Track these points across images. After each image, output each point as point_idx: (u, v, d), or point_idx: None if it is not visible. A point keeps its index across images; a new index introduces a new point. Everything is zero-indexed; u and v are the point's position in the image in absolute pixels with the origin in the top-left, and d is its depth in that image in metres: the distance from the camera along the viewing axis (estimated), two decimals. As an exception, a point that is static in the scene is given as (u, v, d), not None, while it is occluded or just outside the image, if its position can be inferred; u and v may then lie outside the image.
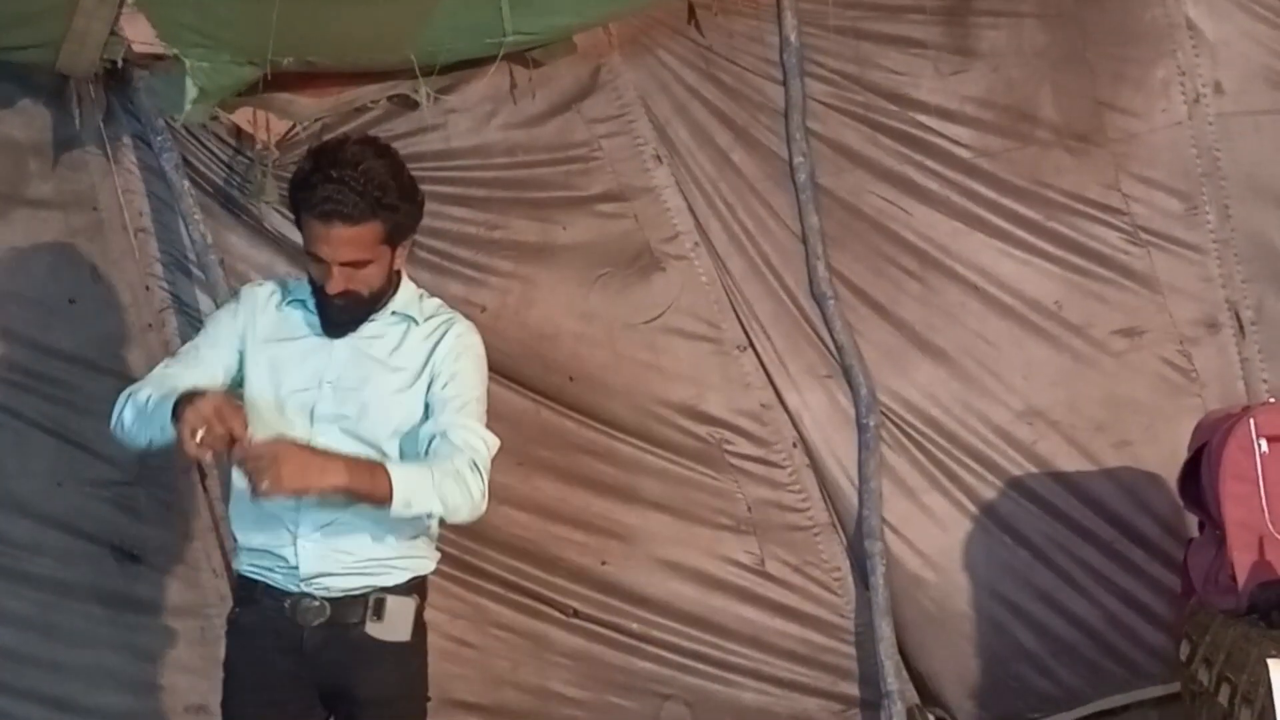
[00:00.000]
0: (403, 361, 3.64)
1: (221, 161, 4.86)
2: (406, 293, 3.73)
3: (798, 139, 5.16)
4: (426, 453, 3.54)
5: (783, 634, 5.17)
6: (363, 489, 3.42)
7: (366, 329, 3.65)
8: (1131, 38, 5.26)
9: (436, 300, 3.79)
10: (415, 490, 3.44)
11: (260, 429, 3.51)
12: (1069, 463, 5.21)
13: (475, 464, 3.52)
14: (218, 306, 4.70)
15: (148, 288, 4.83)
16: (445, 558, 3.87)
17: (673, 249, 5.14)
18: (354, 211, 3.49)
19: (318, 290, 3.62)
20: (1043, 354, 5.23)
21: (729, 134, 5.18)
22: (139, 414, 3.56)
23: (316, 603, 3.59)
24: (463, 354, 3.67)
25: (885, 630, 5.13)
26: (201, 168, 4.85)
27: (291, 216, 3.74)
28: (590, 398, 5.06)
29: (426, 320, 3.70)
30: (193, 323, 4.79)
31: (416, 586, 3.70)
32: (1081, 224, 5.24)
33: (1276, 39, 5.24)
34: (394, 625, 3.63)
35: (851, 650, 5.17)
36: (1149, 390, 5.24)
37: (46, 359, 4.73)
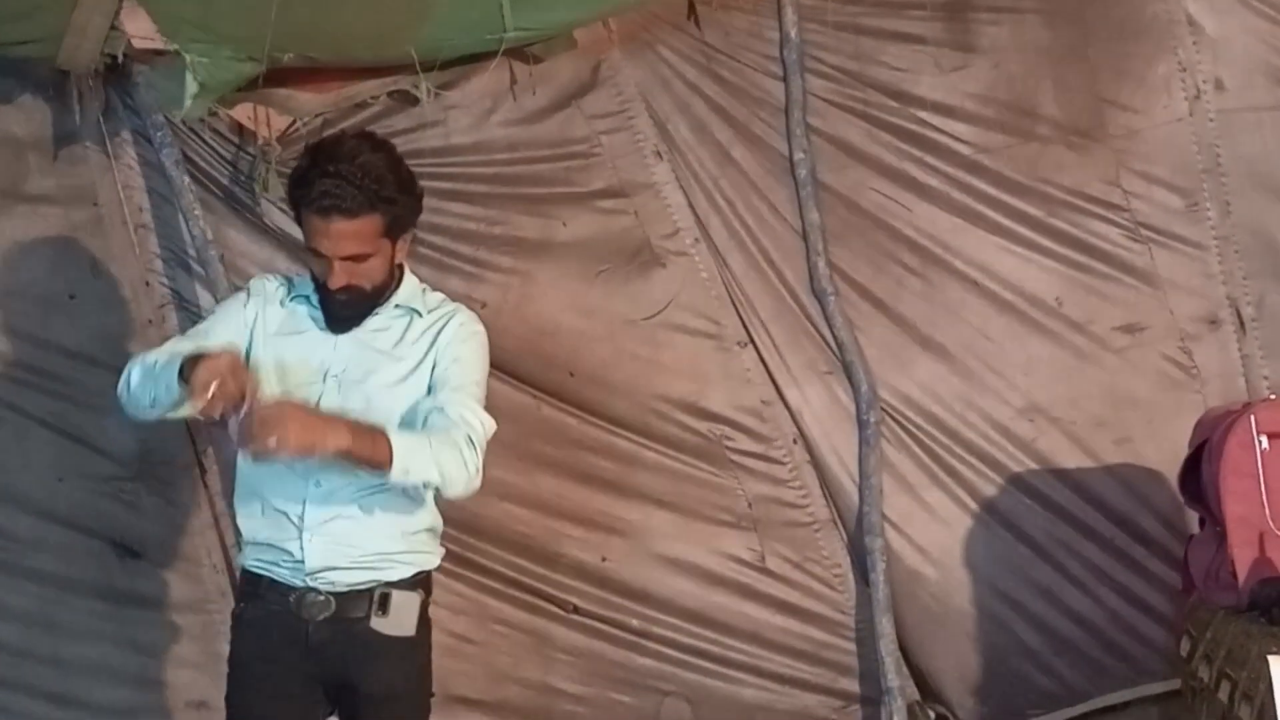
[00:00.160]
0: (406, 353, 3.66)
1: (222, 157, 4.86)
2: (409, 286, 3.75)
3: (798, 135, 5.15)
4: (423, 426, 3.56)
5: (783, 630, 5.17)
6: (364, 453, 3.42)
7: (370, 322, 3.67)
8: (1132, 34, 5.25)
9: (440, 294, 3.81)
10: (414, 458, 3.45)
11: None
12: (1070, 459, 5.20)
13: (471, 439, 3.54)
14: (218, 302, 4.71)
15: (148, 283, 4.83)
16: (447, 554, 3.86)
17: (673, 245, 5.13)
18: (353, 205, 3.50)
19: (320, 286, 3.63)
20: (1043, 350, 5.22)
21: (729, 130, 5.17)
22: (146, 374, 3.55)
23: (322, 597, 3.60)
24: (466, 340, 3.69)
25: (886, 627, 5.13)
26: (202, 163, 4.85)
27: (292, 213, 3.74)
28: (591, 394, 5.06)
29: (430, 312, 3.72)
30: (193, 319, 4.79)
31: (421, 581, 3.71)
32: (1082, 220, 5.24)
33: (1277, 35, 5.22)
34: (399, 620, 3.64)
35: (852, 647, 5.17)
36: (1150, 387, 5.24)
37: (47, 354, 4.74)
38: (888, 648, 5.12)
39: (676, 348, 5.13)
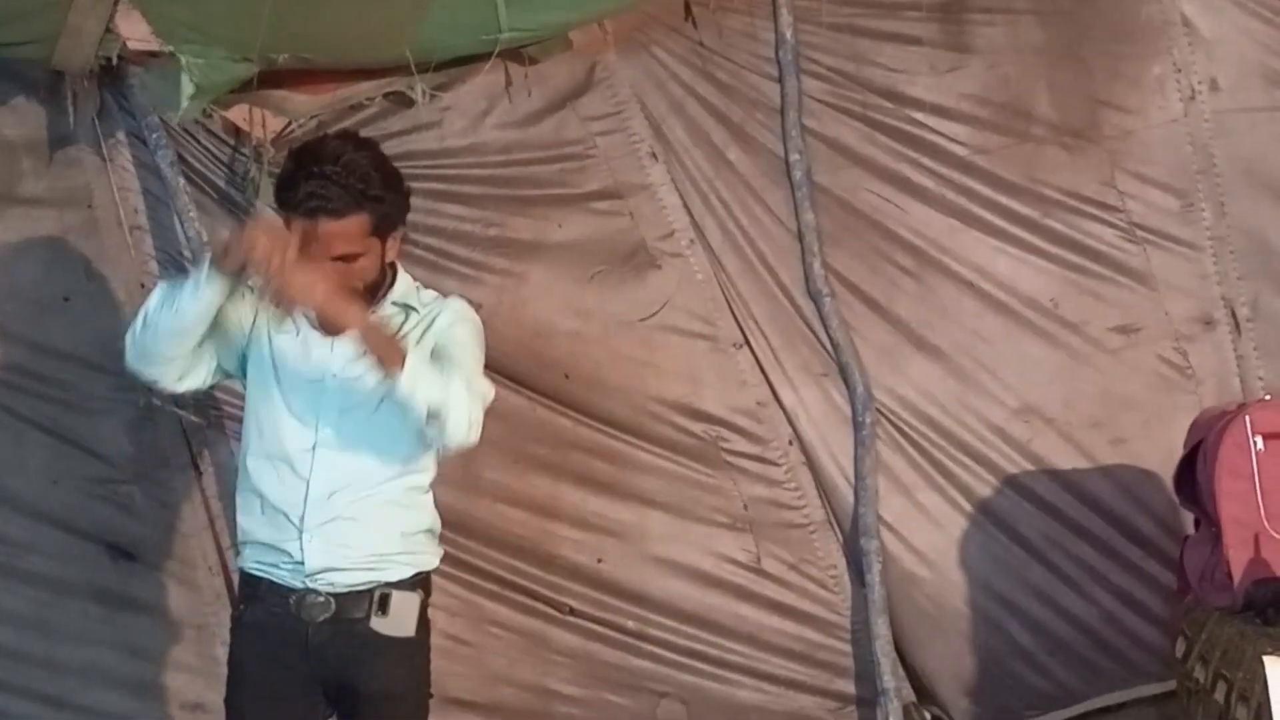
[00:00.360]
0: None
1: (217, 159, 4.85)
2: (404, 283, 3.77)
3: (794, 136, 5.15)
4: None
5: (779, 632, 5.17)
6: (380, 343, 3.45)
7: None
8: (1127, 35, 5.26)
9: (433, 291, 3.83)
10: (425, 376, 3.47)
11: (261, 418, 3.60)
12: (1065, 460, 5.20)
13: (469, 388, 3.55)
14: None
15: (143, 285, 4.79)
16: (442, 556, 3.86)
17: (668, 246, 5.13)
18: (339, 205, 3.51)
19: None
20: (1039, 351, 5.22)
21: (725, 131, 5.17)
22: (167, 293, 3.53)
23: (321, 598, 3.61)
24: (459, 324, 3.71)
25: (882, 628, 5.13)
26: (197, 165, 4.84)
27: (281, 217, 3.73)
28: (586, 395, 5.05)
29: (424, 307, 3.74)
30: (187, 320, 4.79)
31: (421, 582, 3.71)
32: (1077, 221, 5.24)
33: (1272, 36, 5.24)
34: (399, 620, 3.65)
35: (848, 648, 5.17)
36: (1145, 387, 5.24)
37: (41, 357, 4.72)
38: (883, 649, 5.12)
39: (672, 349, 5.12)
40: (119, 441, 4.76)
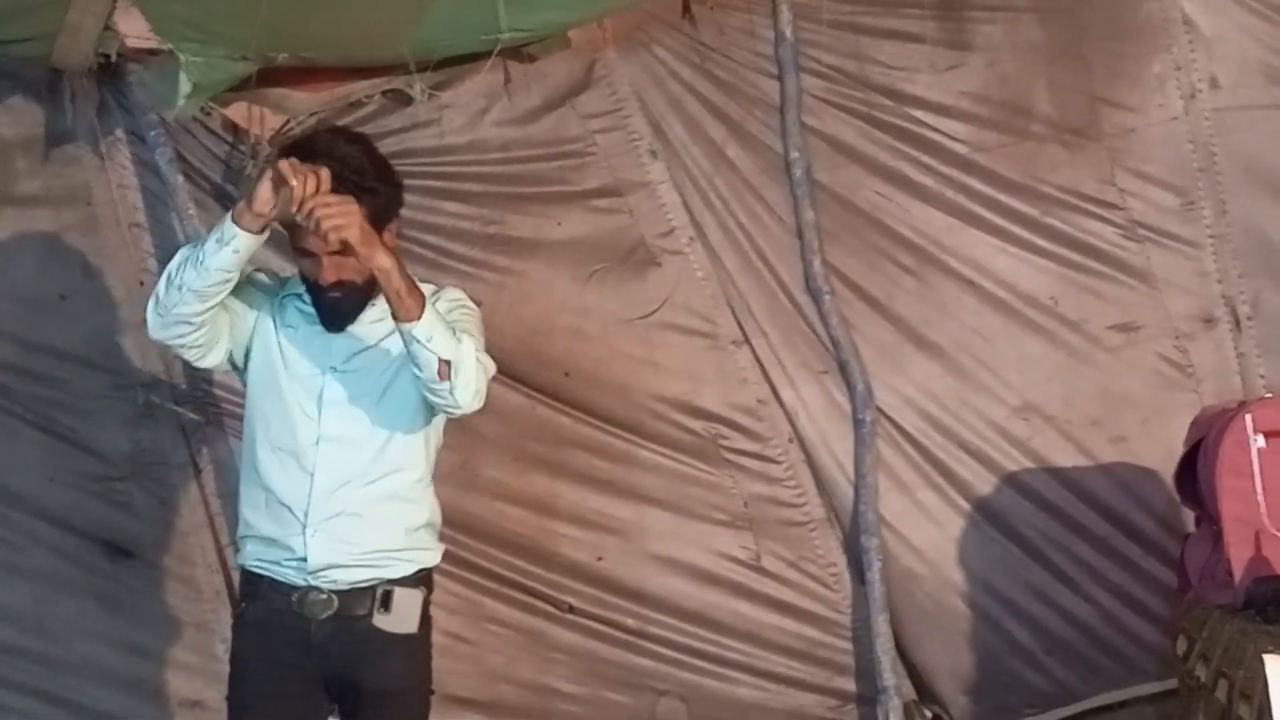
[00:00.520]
0: (399, 338, 3.64)
1: (216, 157, 4.86)
2: None
3: (793, 134, 5.14)
4: None
5: (779, 629, 5.16)
6: (402, 285, 3.44)
7: (369, 314, 3.67)
8: (1127, 32, 5.25)
9: (430, 285, 3.81)
10: (441, 328, 3.49)
11: (267, 412, 3.61)
12: (1065, 458, 5.20)
13: (480, 359, 3.57)
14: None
15: (141, 283, 4.81)
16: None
17: (668, 244, 5.13)
18: None
19: (312, 286, 3.63)
20: (1038, 349, 5.22)
21: (724, 129, 5.16)
22: (191, 251, 3.50)
23: (324, 595, 3.61)
24: (459, 308, 3.72)
25: (882, 626, 5.13)
26: (196, 163, 4.85)
27: None
28: (585, 393, 5.05)
29: None
30: (186, 318, 4.79)
31: (423, 579, 3.71)
32: (1077, 219, 5.23)
33: (1272, 34, 5.23)
34: (401, 617, 3.64)
35: (848, 646, 5.17)
36: (1145, 385, 5.23)
37: (38, 355, 4.73)
38: (884, 647, 5.12)
39: (671, 347, 5.12)
40: (116, 439, 4.76)
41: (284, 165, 3.39)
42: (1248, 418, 4.49)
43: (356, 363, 3.63)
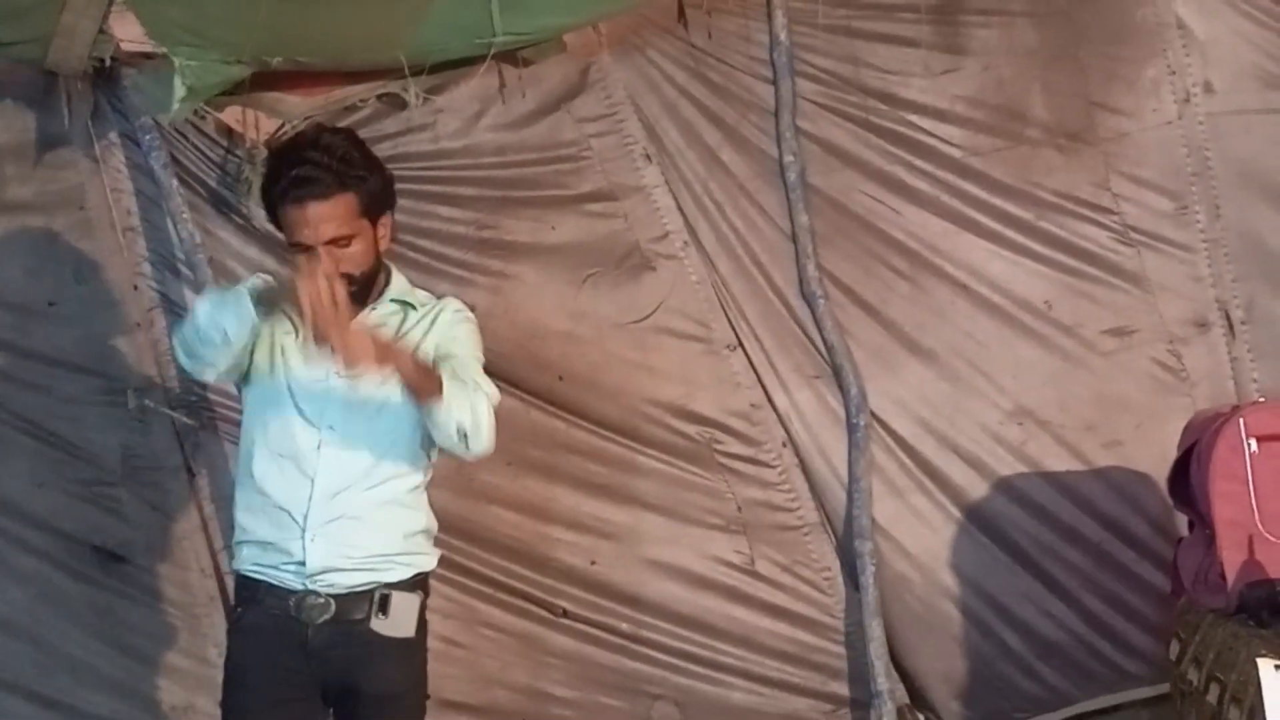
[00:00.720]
0: (405, 344, 3.66)
1: (210, 160, 4.86)
2: (401, 281, 3.80)
3: (788, 138, 5.15)
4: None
5: (773, 634, 5.16)
6: (420, 377, 3.49)
7: (369, 319, 3.67)
8: (1122, 37, 5.25)
9: (426, 292, 3.85)
10: (456, 396, 3.52)
11: (267, 417, 3.62)
12: (1058, 463, 5.20)
13: (486, 397, 3.61)
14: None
15: (136, 287, 4.82)
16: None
17: (662, 248, 5.13)
18: (324, 188, 3.55)
19: None
20: (1032, 354, 5.22)
21: (718, 133, 5.17)
22: (216, 306, 3.53)
23: (321, 600, 3.61)
24: (462, 323, 3.76)
25: (876, 630, 5.13)
26: (190, 166, 4.85)
27: (271, 219, 3.73)
28: (580, 397, 5.05)
29: (422, 306, 3.76)
30: (181, 322, 4.78)
31: (420, 583, 3.72)
32: (1072, 223, 5.24)
33: (1266, 38, 5.23)
34: (399, 621, 3.65)
35: (841, 650, 5.17)
36: (1139, 390, 5.24)
37: (30, 360, 4.71)
38: (877, 651, 5.12)
39: (666, 351, 5.12)
40: (107, 444, 4.75)
41: (304, 287, 3.37)
42: (1241, 422, 4.50)
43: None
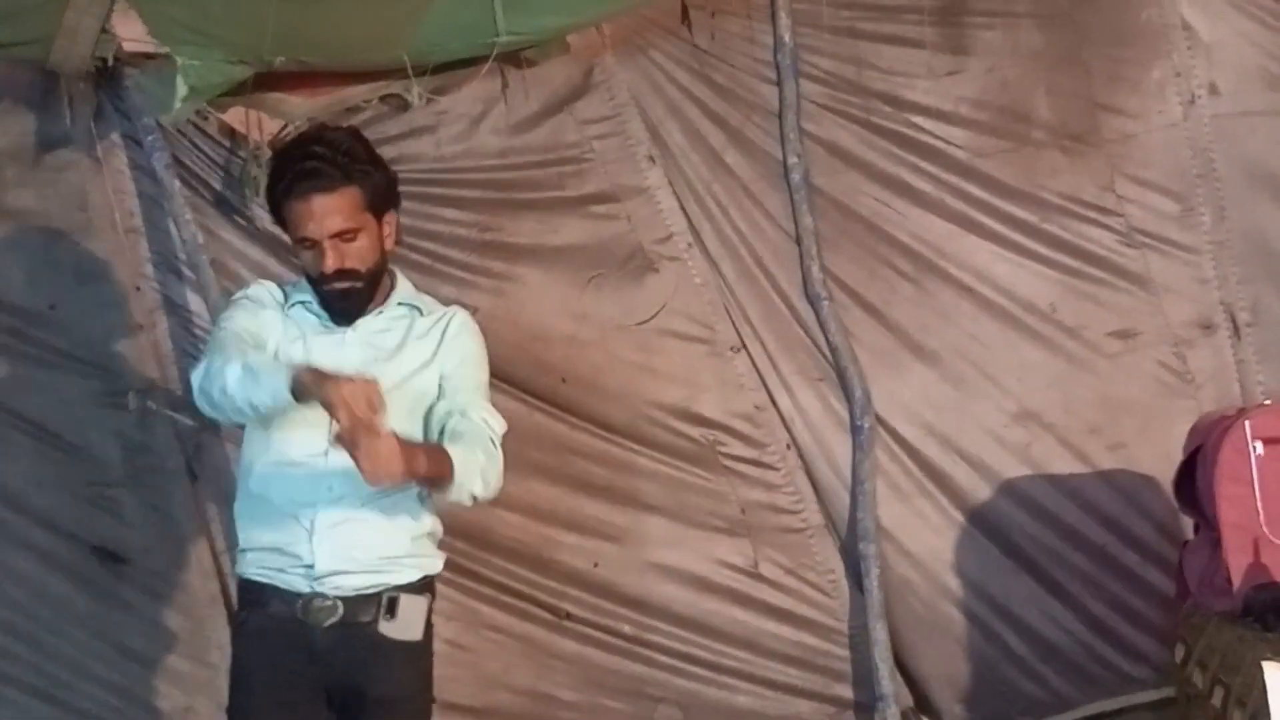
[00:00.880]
0: (413, 350, 3.68)
1: (213, 161, 4.85)
2: (406, 285, 3.79)
3: (792, 140, 5.14)
4: (443, 430, 3.61)
5: (776, 636, 5.15)
6: (436, 473, 3.48)
7: (376, 323, 3.68)
8: (1127, 39, 5.25)
9: (430, 297, 3.84)
10: (467, 472, 3.52)
11: (272, 423, 3.59)
12: (1063, 466, 5.19)
13: (494, 443, 3.63)
14: (209, 307, 4.70)
15: (138, 288, 4.81)
16: (439, 560, 3.85)
17: (666, 250, 5.12)
18: (329, 181, 3.55)
19: (316, 281, 3.63)
20: (1037, 356, 5.21)
21: (722, 135, 5.16)
22: (247, 375, 3.47)
23: (329, 602, 3.59)
24: (471, 338, 3.75)
25: (880, 633, 5.12)
26: (193, 167, 4.84)
27: (275, 218, 3.73)
28: (583, 399, 5.04)
29: (429, 313, 3.75)
30: (183, 323, 4.80)
31: (428, 585, 3.72)
32: (1076, 225, 5.23)
33: (1271, 40, 5.23)
34: (406, 624, 3.64)
35: (845, 653, 5.16)
36: (1144, 392, 5.23)
37: (32, 360, 4.70)
38: (882, 654, 5.11)
39: (669, 353, 5.12)
40: (107, 445, 4.74)
41: (348, 395, 3.32)
42: (1247, 424, 4.50)
43: (367, 373, 3.59)
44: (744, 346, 5.16)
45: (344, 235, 3.56)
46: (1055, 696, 5.20)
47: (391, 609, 3.61)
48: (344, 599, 3.59)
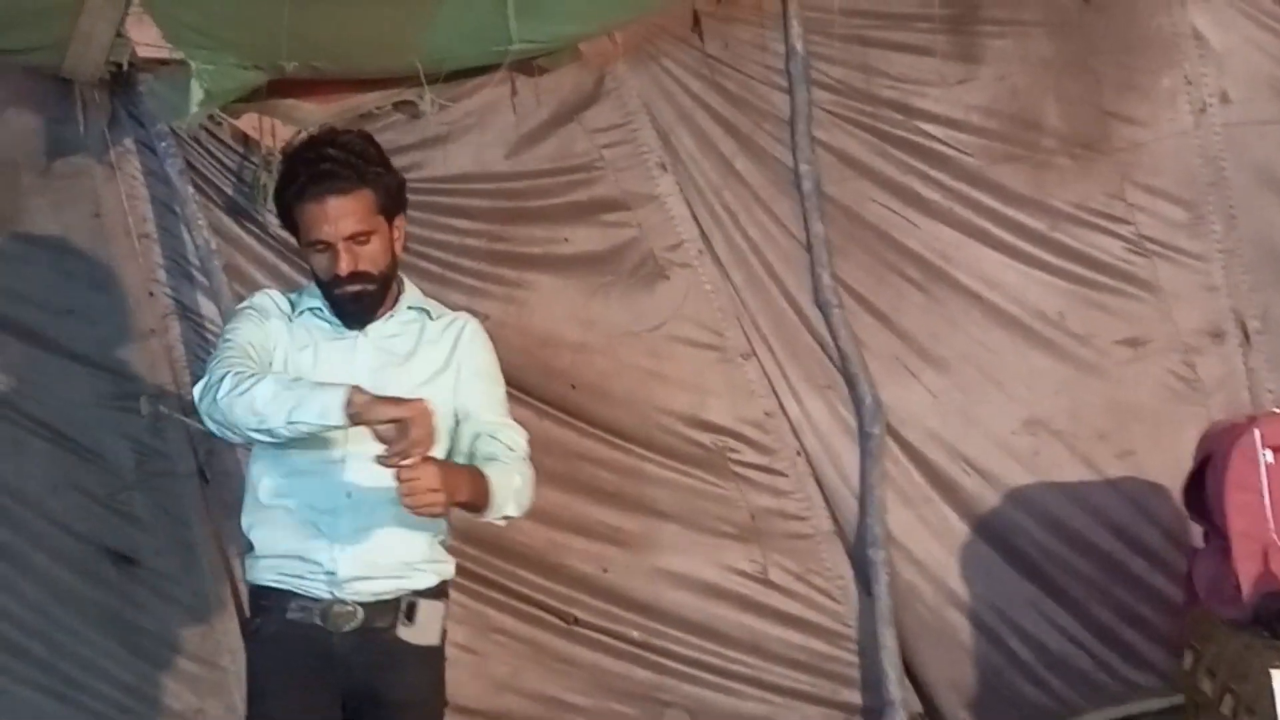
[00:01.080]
0: (425, 355, 3.66)
1: (226, 167, 4.87)
2: (414, 290, 3.78)
3: (803, 147, 5.15)
4: (470, 450, 3.62)
5: (785, 642, 5.15)
6: (474, 499, 3.50)
7: (387, 328, 3.67)
8: (1137, 47, 5.25)
9: (438, 303, 3.83)
10: (502, 495, 3.54)
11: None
12: (1071, 473, 5.19)
13: (526, 461, 3.65)
14: (221, 312, 4.71)
15: (151, 293, 4.82)
16: (449, 564, 3.86)
17: (677, 257, 5.13)
18: (344, 183, 3.54)
19: (327, 285, 3.62)
20: (1046, 364, 5.22)
21: (733, 142, 5.17)
22: (286, 392, 3.41)
23: (349, 607, 3.58)
24: (484, 347, 3.74)
25: (888, 639, 5.11)
26: (206, 173, 4.86)
27: (286, 224, 3.72)
28: (593, 406, 5.05)
29: (439, 317, 3.74)
30: (195, 328, 4.81)
31: (444, 590, 3.72)
32: (1085, 234, 5.24)
33: (1283, 48, 5.25)
34: (424, 628, 3.64)
35: (854, 658, 5.16)
36: (1153, 400, 5.23)
37: (45, 364, 4.71)
38: (890, 660, 5.11)
39: (679, 359, 5.12)
40: (119, 449, 4.76)
41: (414, 421, 3.30)
42: (1256, 432, 4.49)
43: (380, 379, 3.59)
44: (754, 353, 5.17)
45: (358, 238, 3.55)
46: (1062, 704, 5.19)
47: (410, 614, 3.61)
48: (364, 604, 3.58)
